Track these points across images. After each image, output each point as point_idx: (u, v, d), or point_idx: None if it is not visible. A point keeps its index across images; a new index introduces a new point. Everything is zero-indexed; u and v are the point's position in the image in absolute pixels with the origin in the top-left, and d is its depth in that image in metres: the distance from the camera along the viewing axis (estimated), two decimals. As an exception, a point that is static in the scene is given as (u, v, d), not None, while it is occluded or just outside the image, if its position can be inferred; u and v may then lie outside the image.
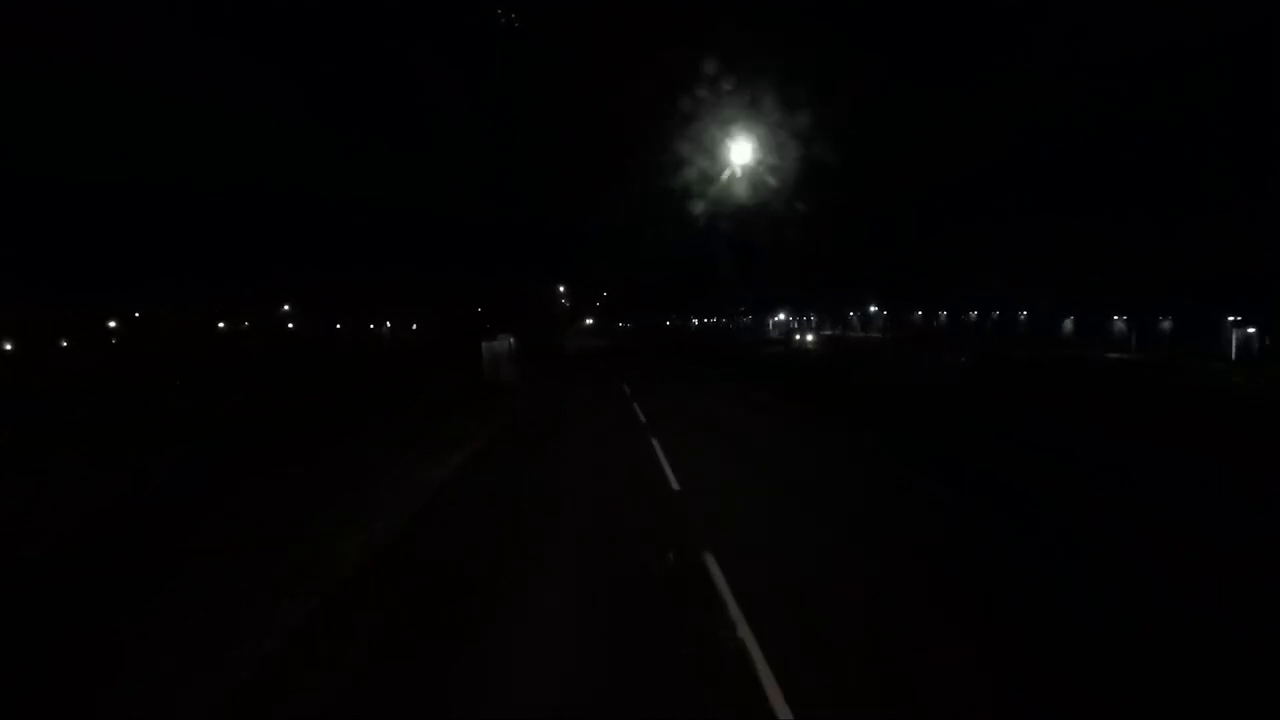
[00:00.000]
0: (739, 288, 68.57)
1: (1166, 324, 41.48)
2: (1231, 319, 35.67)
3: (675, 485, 8.34)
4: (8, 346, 40.86)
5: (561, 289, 58.68)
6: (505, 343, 21.62)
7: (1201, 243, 30.12)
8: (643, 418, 13.69)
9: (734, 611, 4.65)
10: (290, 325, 59.98)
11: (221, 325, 57.76)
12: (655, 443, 10.78)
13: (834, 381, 23.35)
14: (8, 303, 39.77)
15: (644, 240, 58.72)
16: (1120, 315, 44.41)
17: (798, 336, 60.37)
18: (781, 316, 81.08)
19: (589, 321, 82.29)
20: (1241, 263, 29.64)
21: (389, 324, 68.60)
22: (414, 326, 66.60)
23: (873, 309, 69.98)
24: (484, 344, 21.35)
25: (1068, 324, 50.23)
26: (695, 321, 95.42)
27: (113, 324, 50.42)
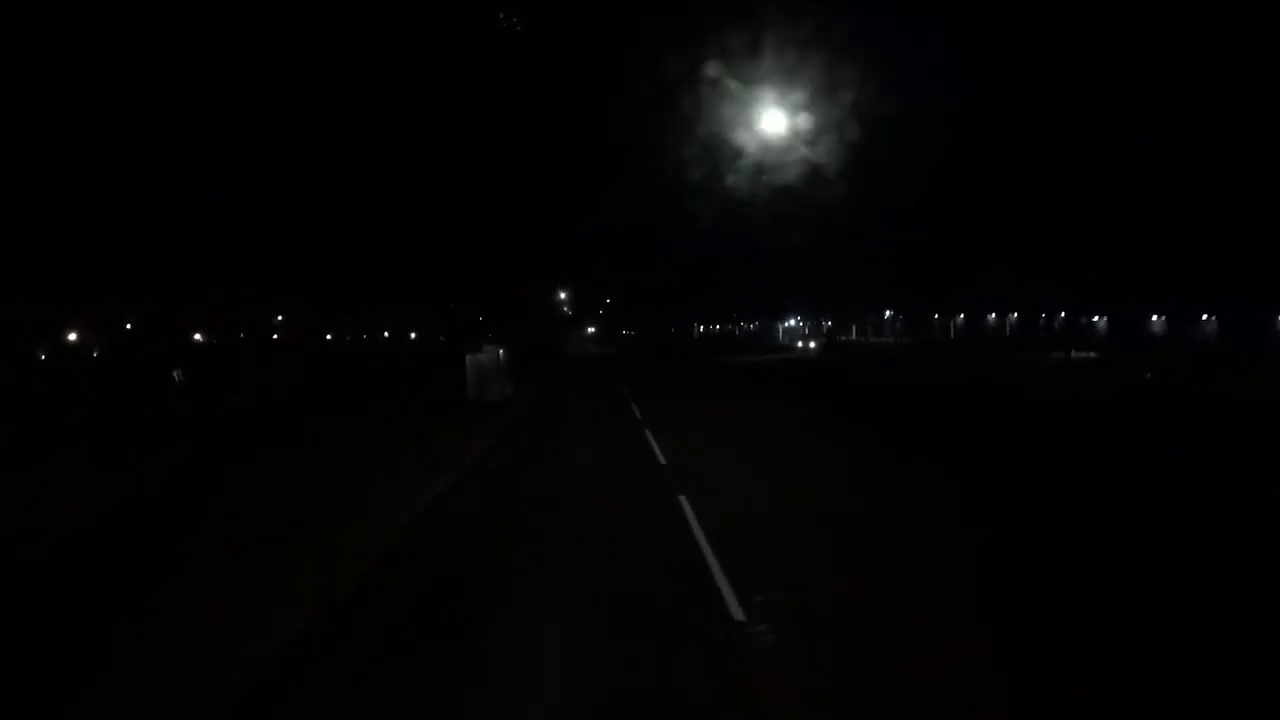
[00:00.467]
0: (745, 293, 67.04)
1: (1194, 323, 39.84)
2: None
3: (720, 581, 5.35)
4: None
5: (563, 295, 57.23)
6: (494, 354, 18.93)
7: (1238, 240, 29.43)
8: (661, 455, 10.76)
9: None
10: (275, 336, 59.04)
11: (198, 337, 56.09)
12: (684, 500, 7.82)
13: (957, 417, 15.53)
14: (8, 303, 39.75)
15: (646, 243, 57.85)
16: (1158, 315, 42.67)
17: (800, 344, 56.17)
18: (793, 322, 78.04)
19: (590, 330, 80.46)
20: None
21: (386, 334, 67.03)
22: (412, 335, 65.15)
23: (887, 313, 66.15)
24: (468, 357, 18.79)
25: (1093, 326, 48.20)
26: (701, 328, 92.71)
27: (70, 335, 48.43)
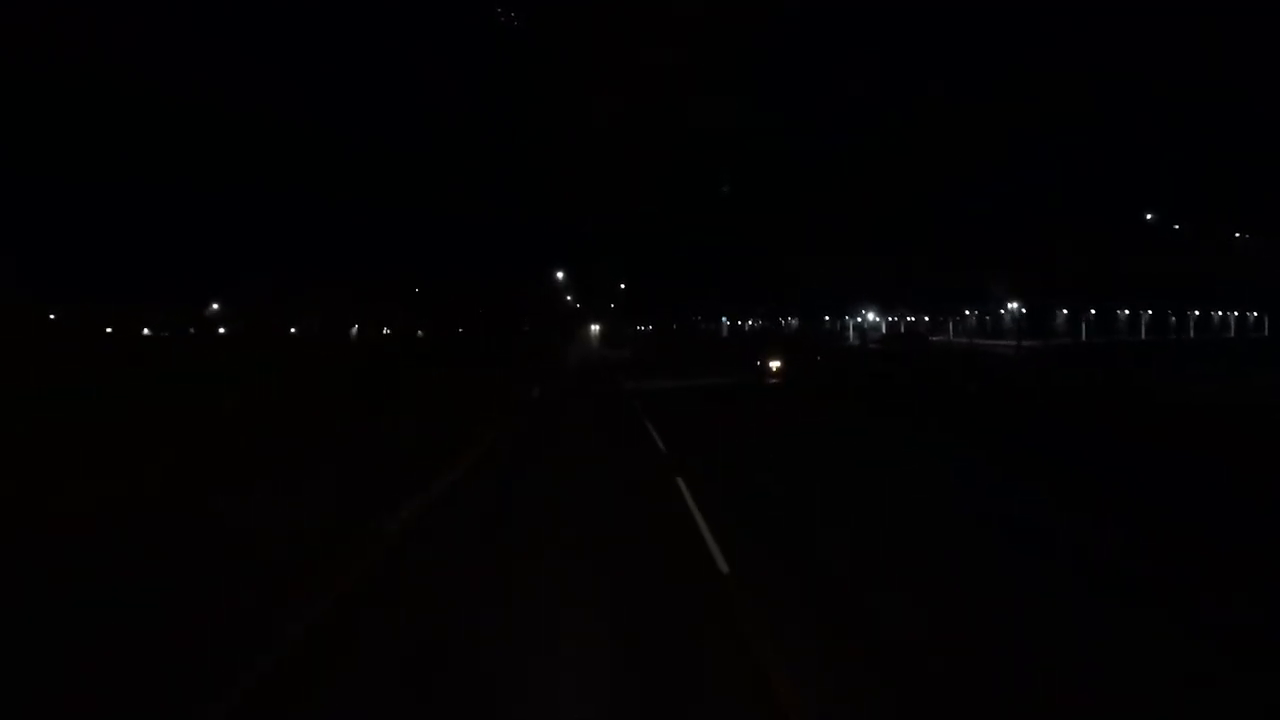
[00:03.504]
0: (787, 281, 56.39)
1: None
2: None
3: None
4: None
5: (560, 275, 50.70)
6: None
7: None
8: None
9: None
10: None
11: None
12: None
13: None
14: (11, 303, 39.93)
15: (663, 231, 53.30)
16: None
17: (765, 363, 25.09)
18: (872, 317, 60.98)
19: (595, 328, 70.23)
20: None
21: (356, 328, 62.52)
22: (385, 331, 60.04)
23: (1010, 305, 46.92)
24: None
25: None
26: (742, 323, 78.60)
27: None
